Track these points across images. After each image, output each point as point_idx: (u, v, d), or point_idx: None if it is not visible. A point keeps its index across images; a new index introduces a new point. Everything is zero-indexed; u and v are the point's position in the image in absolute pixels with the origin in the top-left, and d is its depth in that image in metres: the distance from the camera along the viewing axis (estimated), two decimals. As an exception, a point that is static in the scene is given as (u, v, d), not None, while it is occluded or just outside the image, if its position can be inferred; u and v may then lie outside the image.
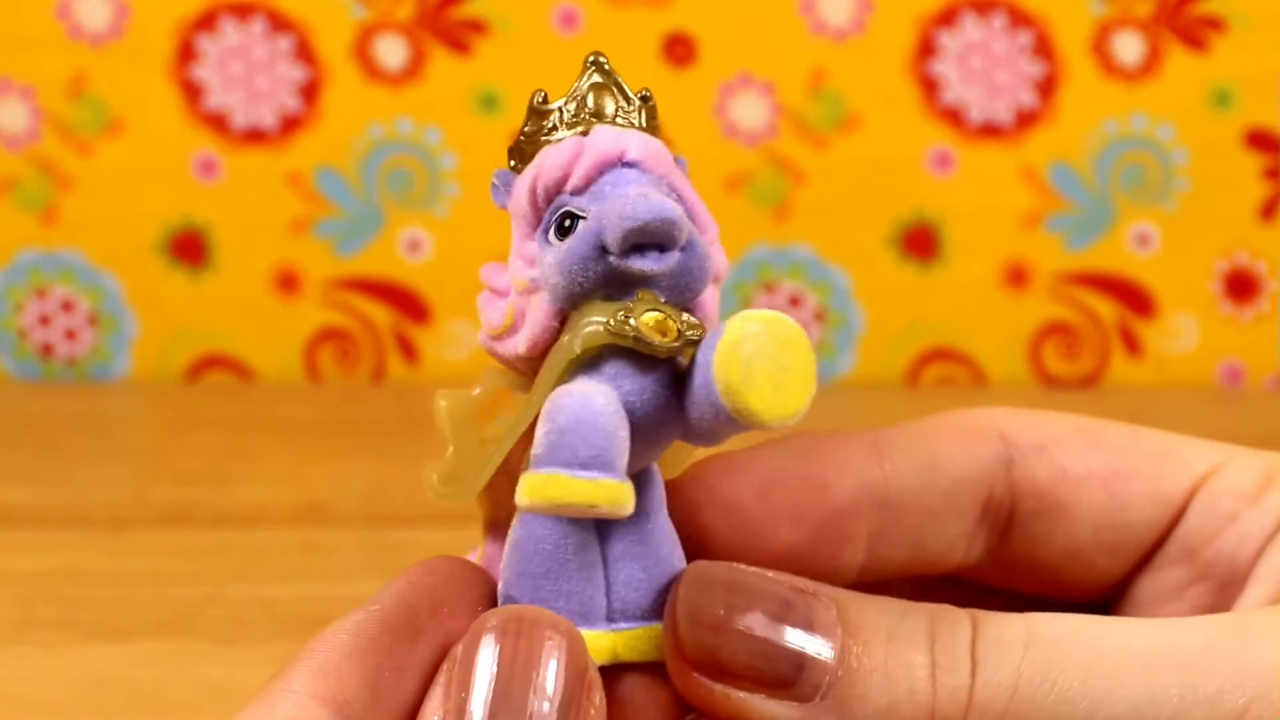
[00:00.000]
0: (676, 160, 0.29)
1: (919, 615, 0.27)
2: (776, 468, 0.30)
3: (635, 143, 0.27)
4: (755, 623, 0.26)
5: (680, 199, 0.28)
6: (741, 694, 0.26)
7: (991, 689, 0.26)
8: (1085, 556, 0.32)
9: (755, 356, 0.26)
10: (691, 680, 0.27)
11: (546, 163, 0.28)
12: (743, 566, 0.27)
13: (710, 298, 0.28)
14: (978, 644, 0.27)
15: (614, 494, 0.26)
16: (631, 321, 0.26)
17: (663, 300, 0.27)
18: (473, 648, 0.26)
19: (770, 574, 0.27)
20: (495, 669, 0.25)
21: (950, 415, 0.32)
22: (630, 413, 0.27)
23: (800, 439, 0.31)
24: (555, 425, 0.26)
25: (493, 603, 0.28)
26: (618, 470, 0.26)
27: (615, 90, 0.28)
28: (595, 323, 0.27)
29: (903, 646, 0.27)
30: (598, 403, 0.26)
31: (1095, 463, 0.32)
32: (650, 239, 0.26)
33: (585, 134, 0.28)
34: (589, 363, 0.27)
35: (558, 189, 0.27)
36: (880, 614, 0.27)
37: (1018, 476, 0.31)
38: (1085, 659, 0.26)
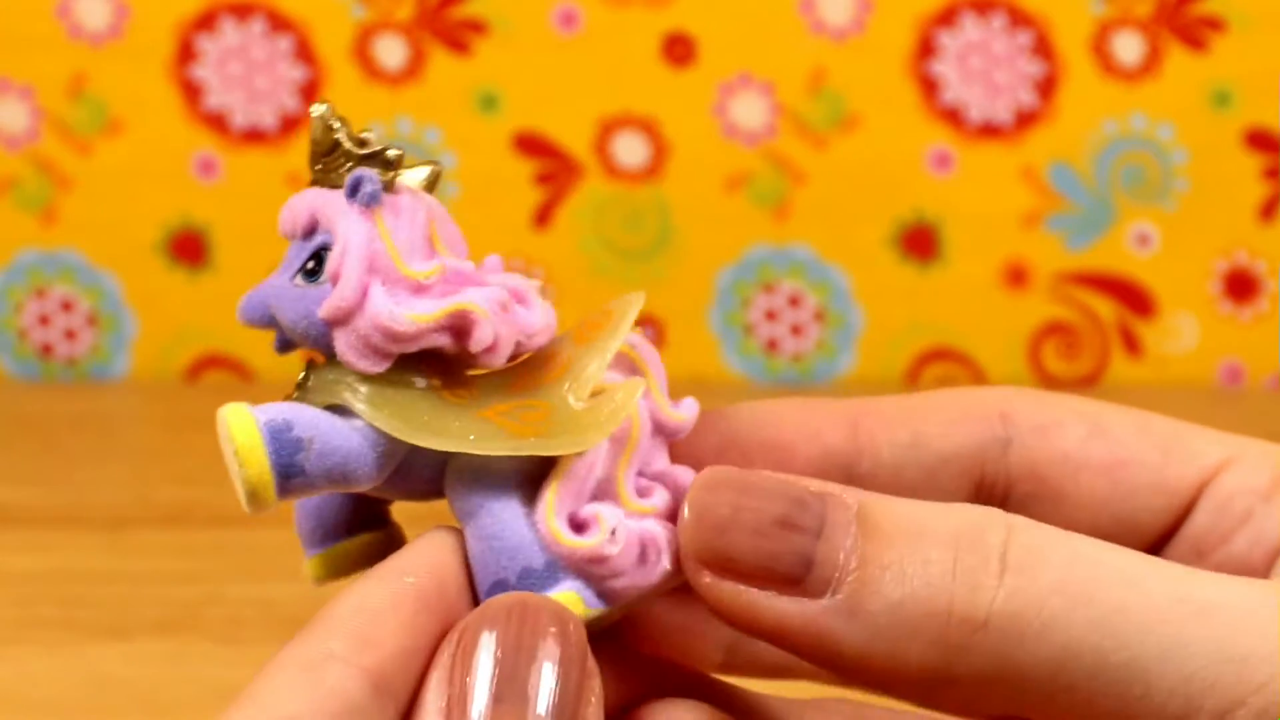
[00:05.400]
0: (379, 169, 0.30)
1: (951, 512, 0.26)
2: (738, 429, 0.30)
3: (287, 215, 0.29)
4: (762, 521, 0.27)
5: (329, 247, 0.29)
6: (751, 590, 0.27)
7: (1021, 598, 0.25)
8: None
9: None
10: (703, 578, 0.27)
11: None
12: (757, 470, 0.27)
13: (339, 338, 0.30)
14: (1011, 547, 0.26)
15: (308, 571, 0.32)
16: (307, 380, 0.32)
17: (322, 362, 0.31)
18: (475, 632, 0.26)
19: (787, 477, 0.27)
20: (498, 653, 0.25)
21: (950, 392, 0.32)
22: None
23: (778, 403, 0.31)
24: None
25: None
26: (311, 547, 0.32)
27: (320, 144, 0.29)
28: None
29: (923, 543, 0.26)
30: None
31: (1098, 449, 0.31)
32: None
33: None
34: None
35: None
36: (909, 512, 0.27)
37: (1015, 458, 0.31)
38: (1124, 593, 0.26)
